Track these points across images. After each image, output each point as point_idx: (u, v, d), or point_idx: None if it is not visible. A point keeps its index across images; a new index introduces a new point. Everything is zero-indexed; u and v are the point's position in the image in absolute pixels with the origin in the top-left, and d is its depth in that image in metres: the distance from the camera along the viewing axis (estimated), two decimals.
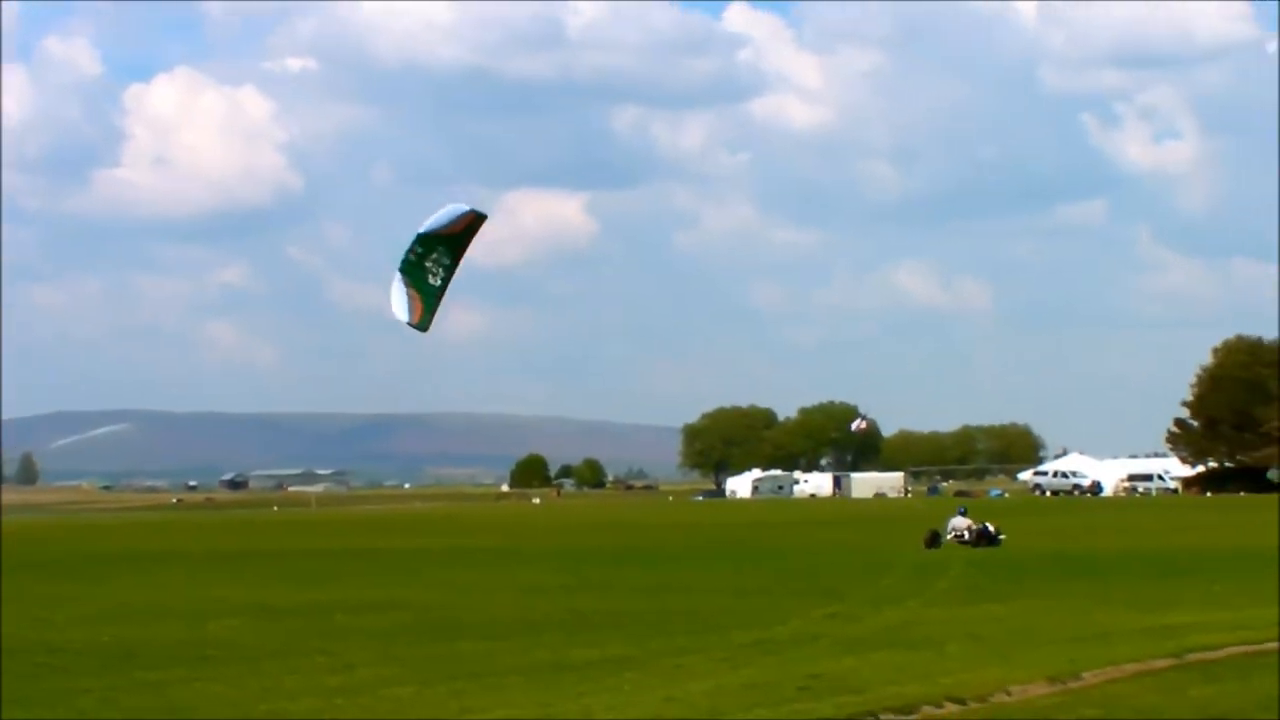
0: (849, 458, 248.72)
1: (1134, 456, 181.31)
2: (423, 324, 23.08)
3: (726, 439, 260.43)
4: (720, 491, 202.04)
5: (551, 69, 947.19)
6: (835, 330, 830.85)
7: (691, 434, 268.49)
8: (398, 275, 22.87)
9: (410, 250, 22.81)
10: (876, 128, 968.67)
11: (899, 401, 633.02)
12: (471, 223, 22.91)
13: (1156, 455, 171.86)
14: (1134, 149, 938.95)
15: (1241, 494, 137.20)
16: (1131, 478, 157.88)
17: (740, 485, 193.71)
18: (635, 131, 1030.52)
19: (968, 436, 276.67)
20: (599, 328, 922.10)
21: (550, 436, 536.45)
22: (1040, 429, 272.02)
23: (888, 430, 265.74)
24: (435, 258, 22.83)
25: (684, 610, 32.42)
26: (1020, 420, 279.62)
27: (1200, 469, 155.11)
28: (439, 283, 22.94)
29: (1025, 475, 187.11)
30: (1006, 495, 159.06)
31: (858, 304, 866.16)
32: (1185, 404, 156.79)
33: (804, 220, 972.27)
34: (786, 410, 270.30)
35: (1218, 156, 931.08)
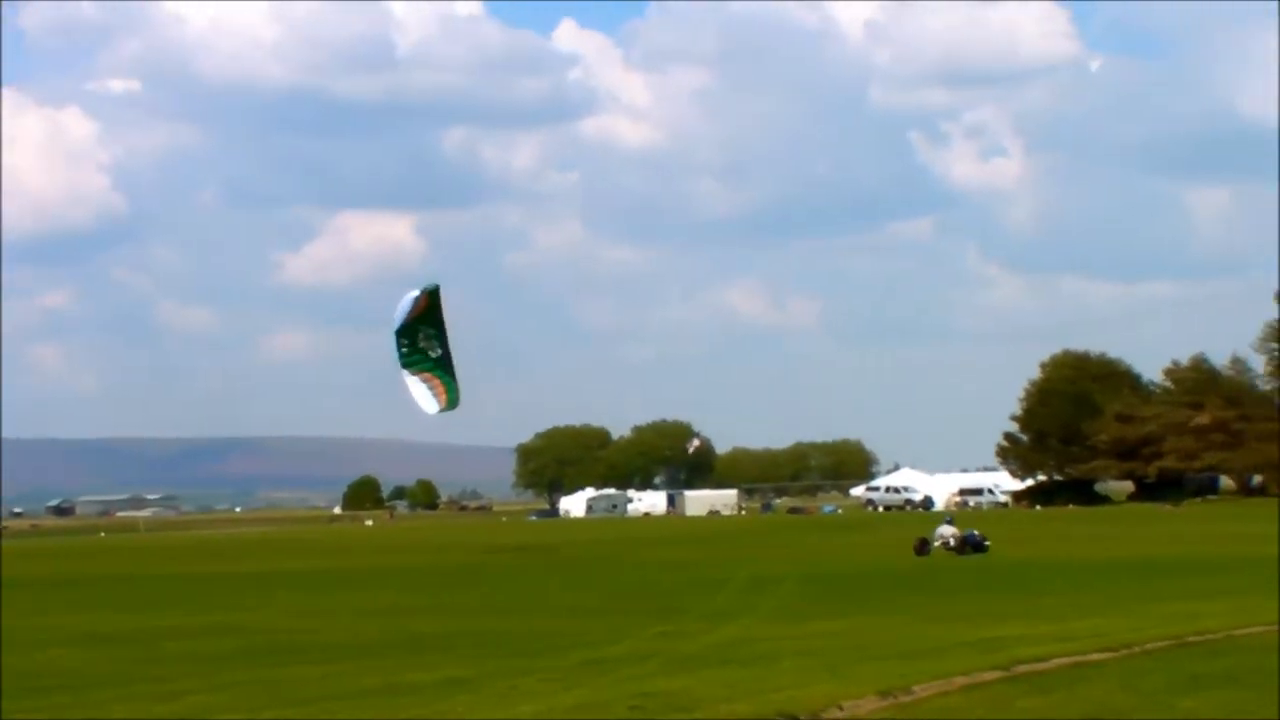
0: (683, 476, 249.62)
1: (965, 471, 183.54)
2: (451, 402, 23.57)
3: (560, 458, 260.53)
4: (554, 511, 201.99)
5: (380, 88, 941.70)
6: (668, 348, 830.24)
7: (525, 454, 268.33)
8: (404, 374, 23.32)
9: (399, 347, 23.30)
10: (706, 145, 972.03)
11: (732, 419, 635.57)
12: (429, 299, 23.42)
13: (987, 469, 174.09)
14: (962, 167, 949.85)
15: (1070, 507, 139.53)
16: (963, 492, 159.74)
17: (574, 505, 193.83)
18: (465, 151, 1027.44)
19: (800, 453, 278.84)
20: None
21: (383, 458, 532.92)
22: (872, 444, 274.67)
23: (721, 448, 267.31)
24: (423, 337, 23.38)
25: (518, 631, 32.44)
26: (852, 436, 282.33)
27: (1030, 482, 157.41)
28: (440, 352, 23.42)
29: (858, 491, 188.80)
30: (840, 511, 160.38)
31: (690, 322, 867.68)
32: (1014, 418, 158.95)
33: (636, 238, 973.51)
34: (620, 429, 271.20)
35: (1042, 174, 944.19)
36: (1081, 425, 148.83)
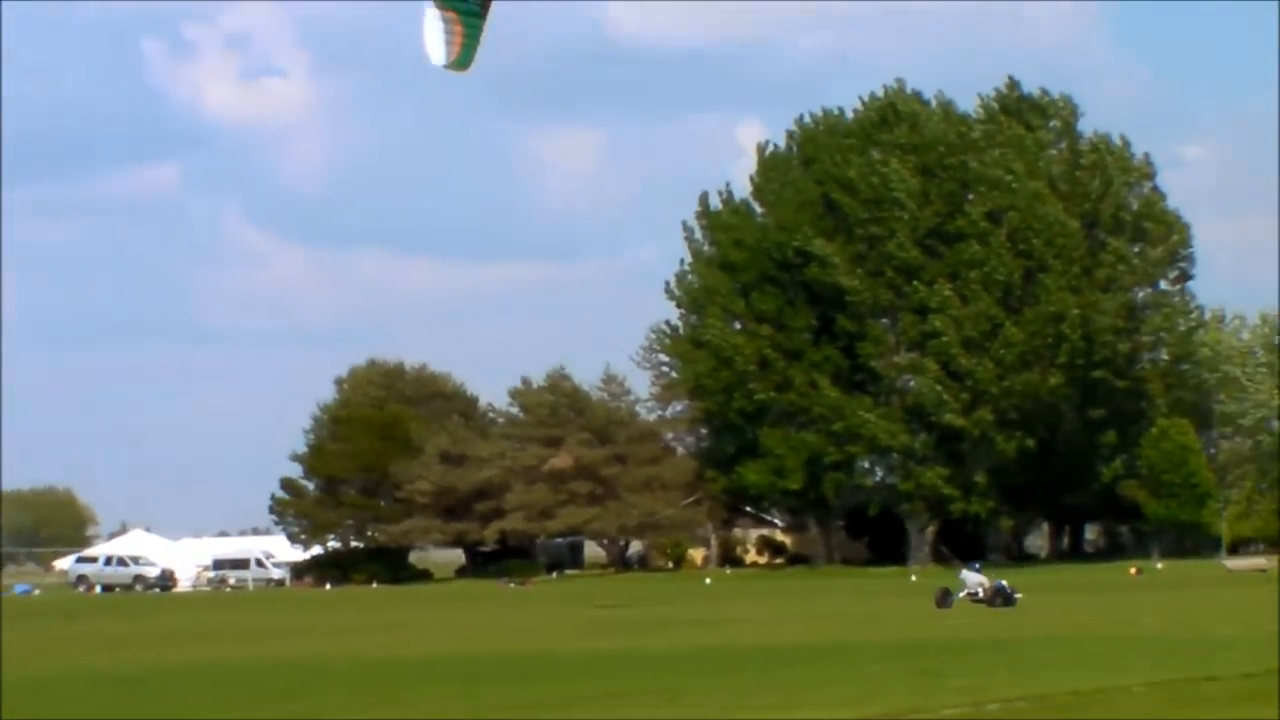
0: None
1: (225, 534, 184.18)
2: (464, 59, 24.01)
3: None
4: None
5: None
6: None
7: None
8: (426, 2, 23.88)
9: None
10: None
11: None
12: None
13: (257, 532, 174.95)
14: (217, 92, 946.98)
15: (375, 585, 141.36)
16: (219, 565, 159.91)
17: None
18: None
19: None
20: None
21: None
22: (89, 495, 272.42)
23: None
24: None
25: None
26: (59, 483, 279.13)
27: (318, 550, 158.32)
28: None
29: (65, 563, 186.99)
30: (38, 592, 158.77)
31: None
32: (297, 458, 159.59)
33: None
34: None
35: (334, 104, 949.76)
36: (392, 468, 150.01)
